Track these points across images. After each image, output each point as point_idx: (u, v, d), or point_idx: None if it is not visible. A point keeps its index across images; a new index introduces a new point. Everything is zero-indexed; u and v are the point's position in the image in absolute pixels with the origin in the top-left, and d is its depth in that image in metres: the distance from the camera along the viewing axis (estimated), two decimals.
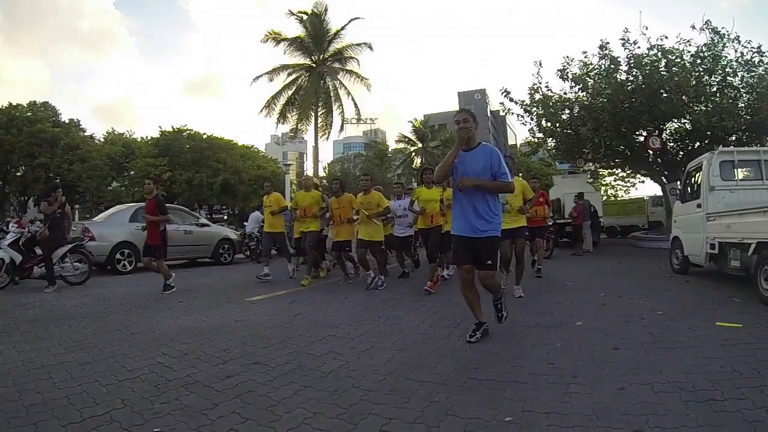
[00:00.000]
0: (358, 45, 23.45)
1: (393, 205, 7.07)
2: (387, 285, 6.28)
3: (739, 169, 6.65)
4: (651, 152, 14.31)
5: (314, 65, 23.47)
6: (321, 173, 27.53)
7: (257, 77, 23.06)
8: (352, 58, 23.72)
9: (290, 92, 23.45)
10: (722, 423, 2.00)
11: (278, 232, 7.70)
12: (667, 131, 14.66)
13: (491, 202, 3.38)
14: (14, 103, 28.79)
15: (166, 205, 6.97)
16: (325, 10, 22.99)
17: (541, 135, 16.18)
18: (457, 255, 3.55)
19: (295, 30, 23.67)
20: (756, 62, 12.88)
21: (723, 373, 2.60)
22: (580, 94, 14.71)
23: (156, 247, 6.39)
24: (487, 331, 3.54)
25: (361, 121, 27.69)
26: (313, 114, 23.24)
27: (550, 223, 10.37)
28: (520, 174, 8.52)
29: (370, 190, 6.55)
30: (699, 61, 12.93)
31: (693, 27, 13.39)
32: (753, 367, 2.67)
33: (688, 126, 13.79)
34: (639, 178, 21.55)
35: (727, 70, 12.98)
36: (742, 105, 13.01)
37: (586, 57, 14.60)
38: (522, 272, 5.58)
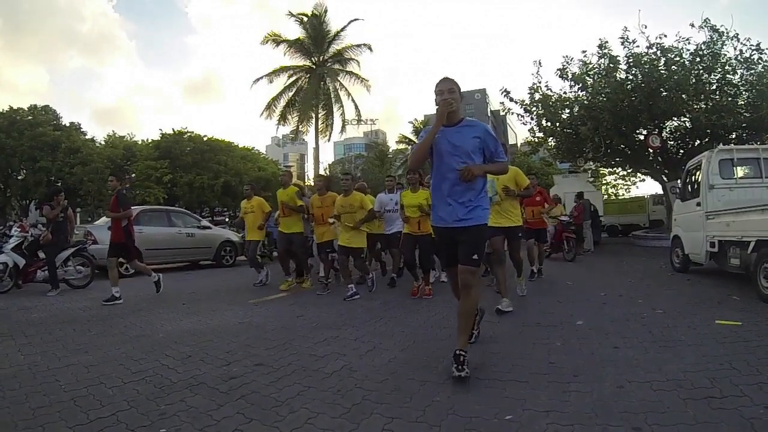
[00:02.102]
0: (358, 46, 23.53)
1: (383, 199, 6.54)
2: (387, 288, 6.28)
3: (739, 168, 6.67)
4: (651, 151, 14.33)
5: (314, 67, 23.53)
6: (322, 173, 27.56)
7: (257, 79, 23.18)
8: (352, 59, 23.79)
9: (290, 94, 23.52)
10: (720, 420, 2.02)
11: (255, 240, 7.24)
12: (667, 130, 14.69)
13: (476, 185, 2.90)
14: (15, 107, 28.96)
15: (176, 209, 6.93)
16: (325, 11, 23.08)
17: (541, 134, 16.21)
18: (443, 255, 3.21)
19: (295, 32, 23.78)
20: (755, 60, 12.91)
21: (722, 370, 2.61)
22: (580, 93, 14.74)
23: (121, 245, 5.99)
24: (480, 318, 3.39)
25: (362, 122, 27.79)
26: (313, 115, 23.30)
27: (563, 218, 9.94)
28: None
29: (351, 191, 5.93)
30: (698, 59, 12.96)
31: (692, 25, 13.44)
32: (752, 364, 2.69)
33: (687, 124, 13.83)
34: (639, 176, 21.58)
35: (726, 68, 13.01)
36: (742, 103, 13.04)
37: (585, 56, 14.65)
38: (521, 267, 5.32)
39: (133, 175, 28.19)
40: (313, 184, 7.42)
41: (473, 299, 2.85)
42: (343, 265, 5.84)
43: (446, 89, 2.85)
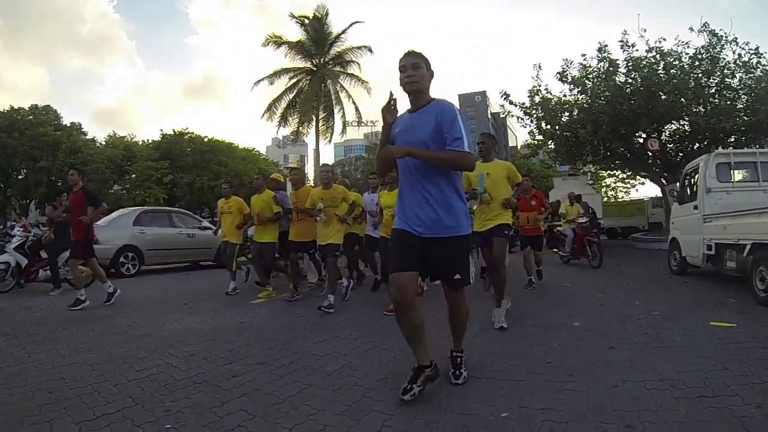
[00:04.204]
0: (359, 48, 23.59)
1: (365, 199, 6.17)
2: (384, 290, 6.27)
3: (736, 171, 6.73)
4: (650, 154, 14.41)
5: (315, 69, 23.61)
6: None
7: (258, 81, 23.24)
8: (352, 61, 23.88)
9: (291, 95, 23.58)
10: (711, 418, 2.07)
11: (232, 243, 6.55)
12: (666, 133, 14.76)
13: (451, 184, 2.36)
14: (16, 107, 29.08)
15: (177, 209, 6.69)
16: (326, 14, 23.16)
17: (540, 137, 16.27)
18: (394, 258, 2.38)
19: (296, 34, 23.86)
20: (754, 64, 13.00)
21: (715, 371, 2.66)
22: (580, 96, 14.81)
23: (76, 242, 5.54)
24: (433, 377, 2.47)
25: (362, 124, 27.80)
26: (314, 117, 23.37)
27: (581, 220, 8.99)
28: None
29: (331, 184, 5.38)
30: (697, 63, 13.04)
31: (691, 29, 13.51)
32: (745, 365, 2.74)
33: (686, 128, 13.90)
34: (639, 179, 21.65)
35: (725, 71, 13.08)
36: (741, 106, 13.10)
37: (585, 60, 14.73)
38: (503, 287, 4.14)
39: (133, 175, 28.23)
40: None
41: (464, 313, 2.61)
42: (332, 265, 5.28)
43: (409, 65, 2.34)
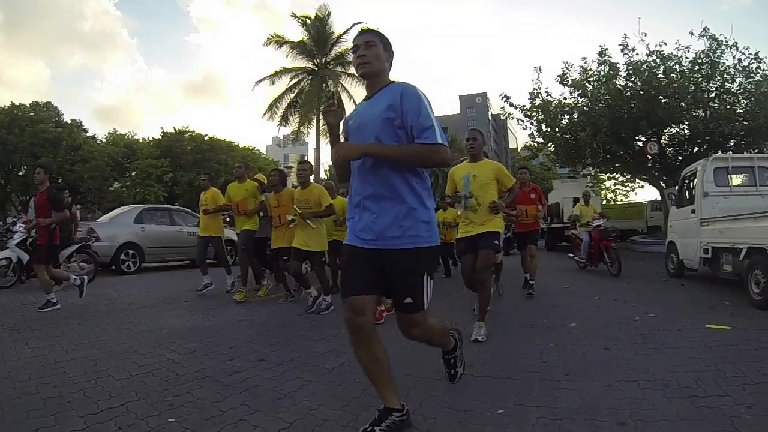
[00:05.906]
0: None
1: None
2: None
3: (733, 176, 6.78)
4: (649, 157, 14.47)
5: (317, 69, 23.67)
6: (322, 176, 27.69)
7: (259, 81, 23.31)
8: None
9: (292, 95, 23.65)
10: (702, 417, 2.12)
11: (215, 236, 6.44)
12: (666, 137, 14.82)
13: (406, 181, 1.88)
14: (16, 103, 29.09)
15: (179, 207, 6.68)
16: (328, 14, 23.23)
17: (540, 139, 16.35)
18: (346, 280, 2.06)
19: (298, 33, 23.93)
20: (753, 69, 13.06)
21: (708, 372, 2.71)
22: (580, 99, 14.88)
23: (40, 246, 5.31)
24: (401, 424, 1.97)
25: None
26: (315, 117, 23.43)
27: (598, 223, 8.14)
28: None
29: (308, 183, 5.05)
30: (697, 67, 13.10)
31: (691, 34, 13.58)
32: (737, 367, 2.79)
33: (686, 131, 13.97)
34: (638, 182, 21.71)
35: (725, 76, 13.14)
36: (740, 111, 13.16)
37: (585, 63, 14.81)
38: (487, 301, 3.74)
39: (133, 173, 28.17)
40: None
41: (437, 340, 2.24)
42: (297, 271, 4.96)
43: (362, 43, 1.96)
